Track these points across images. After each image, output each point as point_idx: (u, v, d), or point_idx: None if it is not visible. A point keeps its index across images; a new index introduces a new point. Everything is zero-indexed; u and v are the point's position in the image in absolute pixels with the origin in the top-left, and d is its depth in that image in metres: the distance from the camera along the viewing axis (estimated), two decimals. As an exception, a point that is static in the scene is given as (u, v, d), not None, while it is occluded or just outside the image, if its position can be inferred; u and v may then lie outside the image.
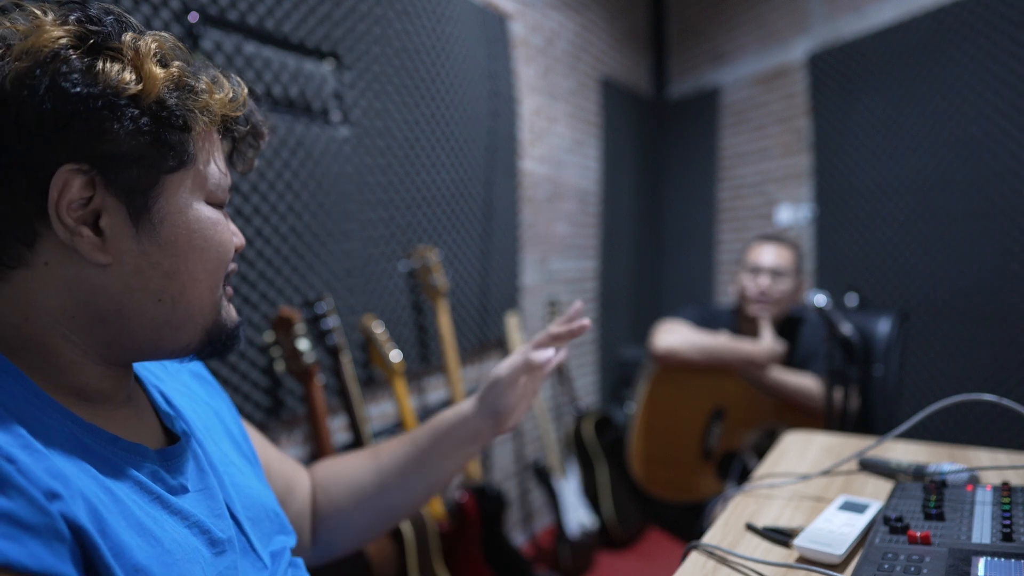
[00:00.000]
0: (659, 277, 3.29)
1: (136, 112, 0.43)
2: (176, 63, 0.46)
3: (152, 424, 0.53)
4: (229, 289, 0.53)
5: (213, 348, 0.52)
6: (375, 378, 1.65)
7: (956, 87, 2.08)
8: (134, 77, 0.43)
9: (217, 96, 0.48)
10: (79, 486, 0.39)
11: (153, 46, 0.45)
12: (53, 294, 0.44)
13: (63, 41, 0.41)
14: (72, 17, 0.43)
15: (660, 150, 3.24)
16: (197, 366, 0.68)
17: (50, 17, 0.42)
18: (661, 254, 3.29)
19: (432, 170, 1.84)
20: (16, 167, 0.41)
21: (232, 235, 0.52)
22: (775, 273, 1.71)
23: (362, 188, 1.59)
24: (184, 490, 0.49)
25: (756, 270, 1.73)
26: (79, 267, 0.44)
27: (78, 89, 0.41)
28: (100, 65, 0.42)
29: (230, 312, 0.53)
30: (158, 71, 0.44)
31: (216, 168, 0.50)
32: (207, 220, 0.48)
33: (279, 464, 0.74)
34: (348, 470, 0.78)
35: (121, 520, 0.40)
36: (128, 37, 0.44)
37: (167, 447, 0.51)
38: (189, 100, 0.46)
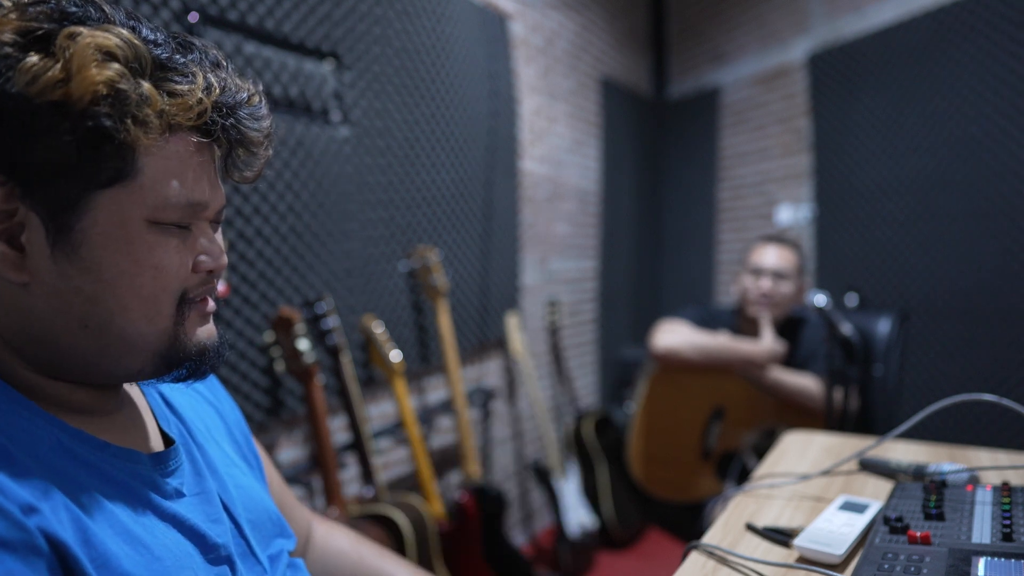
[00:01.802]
0: (659, 277, 3.29)
1: (56, 119, 0.38)
2: (114, 66, 0.39)
3: (148, 427, 0.52)
4: (209, 305, 0.49)
5: (178, 374, 0.48)
6: (375, 378, 1.65)
7: (956, 87, 2.08)
8: (61, 77, 0.37)
9: (163, 104, 0.41)
10: (63, 496, 0.38)
11: (92, 41, 0.38)
12: None
13: (2, 36, 0.37)
14: (32, 9, 0.38)
15: (660, 150, 3.24)
16: None
17: (6, 11, 0.38)
18: (661, 254, 3.29)
19: (432, 170, 1.84)
20: None
21: (183, 258, 0.45)
22: (777, 275, 1.71)
23: (362, 188, 1.59)
24: (179, 495, 0.48)
25: (758, 271, 1.73)
26: (6, 284, 0.41)
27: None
28: (28, 62, 0.37)
29: (195, 336, 0.47)
30: (91, 73, 0.38)
31: (175, 183, 0.43)
32: (142, 242, 0.42)
33: (279, 494, 0.71)
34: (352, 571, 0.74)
35: (108, 528, 0.40)
36: (68, 30, 0.38)
37: (162, 451, 0.50)
38: (123, 109, 0.39)
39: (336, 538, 0.76)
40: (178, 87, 0.42)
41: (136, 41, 0.41)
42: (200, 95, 0.43)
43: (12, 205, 0.39)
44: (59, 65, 0.37)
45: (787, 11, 2.66)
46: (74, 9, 0.40)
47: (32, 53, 0.37)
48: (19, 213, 0.40)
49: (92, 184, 0.40)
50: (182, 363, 0.47)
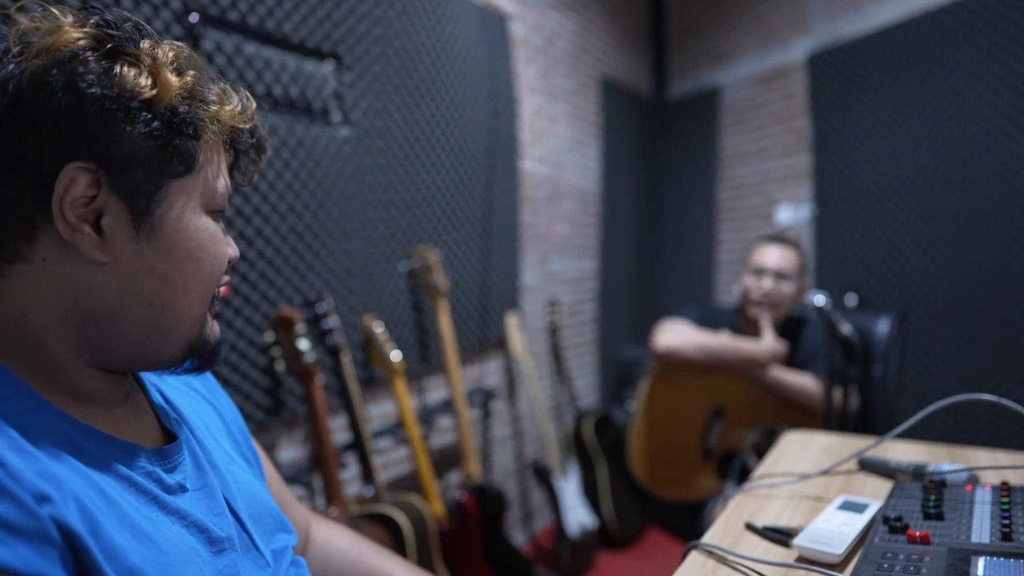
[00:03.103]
0: (659, 277, 3.29)
1: (148, 116, 0.44)
2: (191, 73, 0.47)
3: (150, 423, 0.53)
4: (216, 306, 0.54)
5: (193, 364, 0.52)
6: (375, 378, 1.65)
7: (956, 87, 2.08)
8: (149, 82, 0.44)
9: (227, 108, 0.49)
10: (72, 488, 0.39)
11: (171, 55, 0.46)
12: (48, 292, 0.44)
13: (82, 43, 0.42)
14: (91, 20, 0.44)
15: (660, 150, 3.24)
16: None
17: (69, 19, 0.43)
18: (661, 254, 3.29)
19: (432, 170, 1.84)
20: (24, 161, 0.42)
21: (226, 247, 0.52)
22: (778, 275, 1.71)
23: (362, 188, 1.59)
24: (182, 489, 0.49)
25: (760, 271, 1.73)
26: (75, 265, 0.44)
27: (94, 90, 0.41)
28: (117, 68, 0.43)
29: (214, 328, 0.53)
30: (173, 79, 0.45)
31: (220, 178, 0.51)
32: (205, 230, 0.49)
33: (278, 493, 0.71)
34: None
35: (115, 522, 0.40)
36: (146, 44, 0.45)
37: (164, 446, 0.51)
38: (200, 109, 0.47)
39: (335, 537, 0.76)
40: (230, 96, 0.50)
41: (196, 55, 0.49)
42: (245, 103, 0.51)
43: (93, 192, 0.43)
44: (147, 71, 0.44)
45: (787, 11, 2.67)
46: (128, 24, 0.46)
47: (119, 63, 0.43)
48: (98, 199, 0.44)
49: (169, 174, 0.46)
50: (201, 353, 0.51)
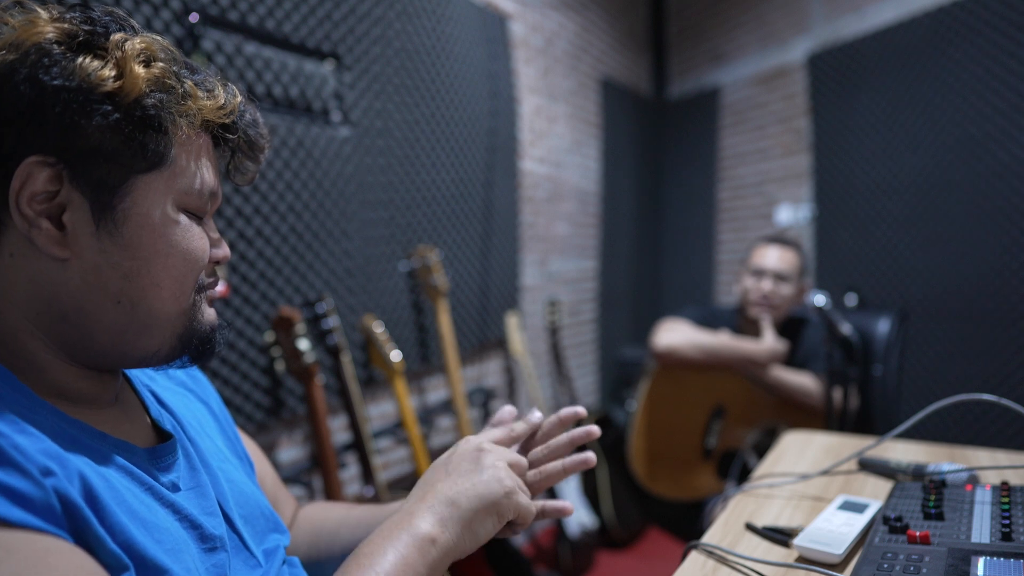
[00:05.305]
0: (659, 277, 3.29)
1: (109, 109, 0.42)
2: (159, 64, 0.45)
3: (142, 424, 0.53)
4: (211, 293, 0.52)
5: (188, 356, 0.50)
6: (375, 378, 1.65)
7: (956, 87, 2.08)
8: (113, 74, 0.42)
9: (203, 102, 0.47)
10: (76, 465, 0.39)
11: (140, 46, 0.44)
12: (21, 288, 0.44)
13: (50, 36, 0.42)
14: (69, 16, 0.43)
15: (660, 150, 3.24)
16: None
17: (47, 16, 0.43)
18: (661, 254, 3.29)
19: (432, 170, 1.84)
20: None
21: (206, 244, 0.49)
22: (778, 277, 1.71)
23: (362, 188, 1.59)
24: (175, 488, 0.49)
25: (759, 273, 1.73)
26: (40, 260, 0.43)
27: (56, 82, 0.41)
28: (80, 60, 0.42)
29: (207, 315, 0.51)
30: (139, 70, 0.43)
31: (199, 175, 0.48)
32: (174, 225, 0.47)
33: (272, 483, 0.71)
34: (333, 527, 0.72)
35: (114, 503, 0.41)
36: (117, 36, 0.44)
37: (157, 445, 0.50)
38: (169, 102, 0.45)
39: (318, 505, 0.77)
40: (211, 90, 0.48)
41: (175, 49, 0.47)
42: (227, 99, 0.49)
43: (55, 187, 0.43)
44: (113, 63, 0.43)
45: (787, 11, 2.67)
46: (107, 19, 0.45)
47: (83, 55, 0.42)
48: (61, 194, 0.43)
49: (134, 168, 0.44)
50: (193, 344, 0.50)
